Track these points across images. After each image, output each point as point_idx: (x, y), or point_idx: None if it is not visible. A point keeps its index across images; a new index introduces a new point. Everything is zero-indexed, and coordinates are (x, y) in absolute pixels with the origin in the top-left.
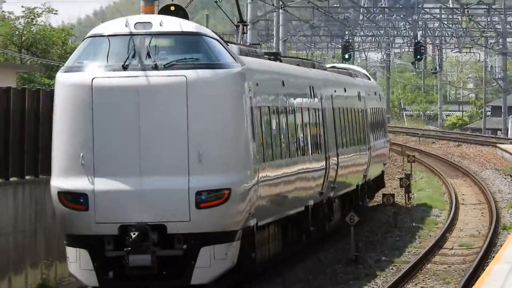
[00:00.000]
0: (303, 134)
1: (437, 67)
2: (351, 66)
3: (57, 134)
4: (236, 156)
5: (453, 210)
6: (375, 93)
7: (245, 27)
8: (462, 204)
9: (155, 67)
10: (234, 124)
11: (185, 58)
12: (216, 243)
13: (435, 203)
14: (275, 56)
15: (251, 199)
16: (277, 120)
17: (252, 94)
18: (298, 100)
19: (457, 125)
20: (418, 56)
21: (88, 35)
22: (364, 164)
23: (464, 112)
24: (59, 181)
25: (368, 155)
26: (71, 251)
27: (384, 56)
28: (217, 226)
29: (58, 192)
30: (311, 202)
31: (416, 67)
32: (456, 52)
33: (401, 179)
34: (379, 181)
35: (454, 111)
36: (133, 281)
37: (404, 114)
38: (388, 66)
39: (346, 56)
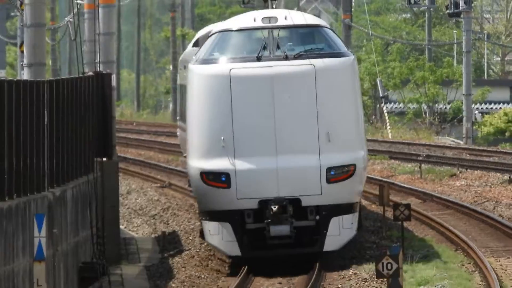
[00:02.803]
0: None
1: (460, 1)
2: None
3: (196, 120)
4: (358, 135)
5: None
6: None
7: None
8: None
9: (286, 57)
10: (356, 106)
11: (311, 49)
12: (344, 214)
13: None
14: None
15: (364, 175)
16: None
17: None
18: None
19: (506, 135)
20: None
21: (216, 30)
22: None
23: None
24: (201, 163)
25: None
26: (212, 225)
27: None
28: (344, 198)
29: (201, 172)
30: None
31: (412, 1)
32: None
33: (378, 258)
34: None
35: (498, 104)
36: (272, 249)
37: (385, 109)
38: None
39: None
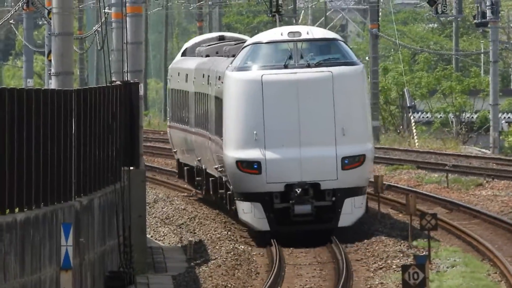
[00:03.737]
0: None
1: (487, 11)
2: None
3: (232, 117)
4: (367, 130)
5: None
6: None
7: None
8: None
9: (308, 66)
10: (365, 106)
11: (329, 58)
12: (355, 195)
13: None
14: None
15: (372, 163)
16: None
17: None
18: None
19: None
20: None
21: (248, 43)
22: None
23: None
24: (237, 153)
25: None
26: (245, 205)
27: None
28: (356, 183)
29: (237, 161)
30: None
31: (440, 11)
32: None
33: (404, 267)
34: None
35: None
36: (296, 225)
37: (412, 119)
38: (376, 8)
39: None
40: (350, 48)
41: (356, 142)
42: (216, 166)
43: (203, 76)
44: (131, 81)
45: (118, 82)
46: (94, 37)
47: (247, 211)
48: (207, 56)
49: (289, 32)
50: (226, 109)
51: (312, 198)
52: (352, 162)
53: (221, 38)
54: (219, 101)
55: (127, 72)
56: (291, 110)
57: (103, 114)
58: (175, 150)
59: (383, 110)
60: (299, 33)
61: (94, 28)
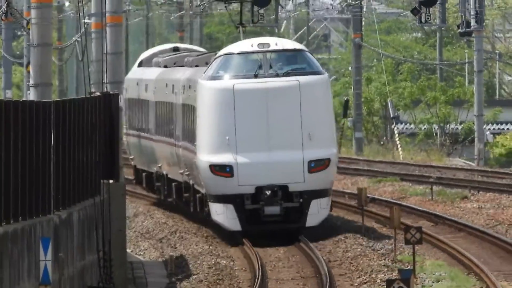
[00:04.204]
0: None
1: (471, 20)
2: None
3: (206, 124)
4: (332, 135)
5: None
6: None
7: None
8: None
9: (277, 75)
10: (330, 113)
11: (296, 68)
12: (321, 197)
13: None
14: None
15: (335, 167)
16: None
17: None
18: None
19: None
20: None
21: (221, 53)
22: None
23: None
24: (210, 157)
25: None
26: (218, 206)
27: None
28: (322, 185)
29: (210, 165)
30: None
31: (423, 20)
32: None
33: (389, 282)
34: None
35: (510, 124)
36: (266, 225)
37: (395, 130)
38: (359, 18)
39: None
40: (317, 59)
41: (321, 147)
42: (181, 171)
43: (166, 86)
44: (111, 92)
45: (98, 93)
46: (74, 47)
47: (220, 212)
48: (165, 66)
49: (258, 44)
50: (200, 116)
51: (281, 200)
52: (318, 165)
53: (176, 49)
54: (189, 108)
55: (107, 83)
56: (261, 117)
57: (83, 126)
58: (131, 157)
59: (366, 121)
60: (268, 44)
61: (73, 38)
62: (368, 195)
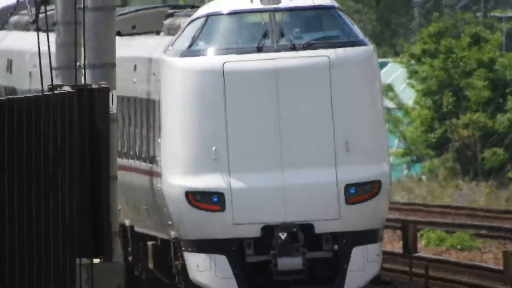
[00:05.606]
0: None
1: None
2: None
3: (178, 126)
4: (383, 144)
5: None
6: None
7: None
8: None
9: (293, 47)
10: (380, 107)
11: (324, 37)
12: (368, 243)
13: None
14: None
15: (390, 194)
16: None
17: None
18: None
19: None
20: None
21: (201, 14)
22: None
23: None
24: (186, 180)
25: None
26: (201, 259)
27: None
28: (368, 224)
29: (186, 191)
30: None
31: None
32: None
33: None
34: None
35: None
36: (280, 287)
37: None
38: None
39: None
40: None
41: (366, 162)
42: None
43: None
44: (94, 86)
45: (67, 88)
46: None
47: (204, 268)
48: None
49: None
50: (167, 115)
51: (303, 247)
52: (361, 192)
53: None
54: (148, 104)
55: (84, 68)
56: (269, 115)
57: (37, 149)
58: None
59: None
60: None
61: None
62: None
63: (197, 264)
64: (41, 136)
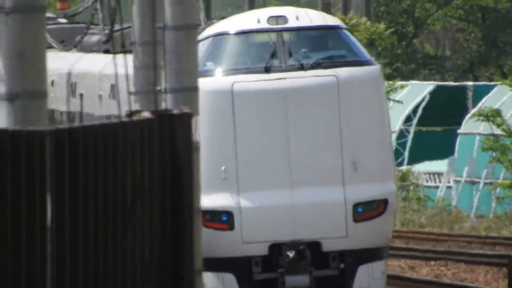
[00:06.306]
0: None
1: None
2: None
3: None
4: (389, 163)
5: None
6: None
7: None
8: None
9: (301, 67)
10: (386, 127)
11: (331, 56)
12: (374, 260)
13: None
14: None
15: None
16: None
17: None
18: None
19: None
20: None
21: (208, 34)
22: None
23: None
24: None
25: None
26: (209, 277)
27: None
28: (374, 242)
29: None
30: None
31: None
32: None
33: None
34: None
35: None
36: None
37: None
38: None
39: None
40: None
41: (373, 181)
42: None
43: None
44: (174, 112)
45: (147, 114)
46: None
47: (212, 287)
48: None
49: (270, 17)
50: None
51: (311, 265)
52: (368, 210)
53: None
54: None
55: (166, 91)
56: (277, 135)
57: (116, 180)
58: None
59: None
60: (284, 19)
61: None
62: None
63: (205, 282)
64: (118, 165)
